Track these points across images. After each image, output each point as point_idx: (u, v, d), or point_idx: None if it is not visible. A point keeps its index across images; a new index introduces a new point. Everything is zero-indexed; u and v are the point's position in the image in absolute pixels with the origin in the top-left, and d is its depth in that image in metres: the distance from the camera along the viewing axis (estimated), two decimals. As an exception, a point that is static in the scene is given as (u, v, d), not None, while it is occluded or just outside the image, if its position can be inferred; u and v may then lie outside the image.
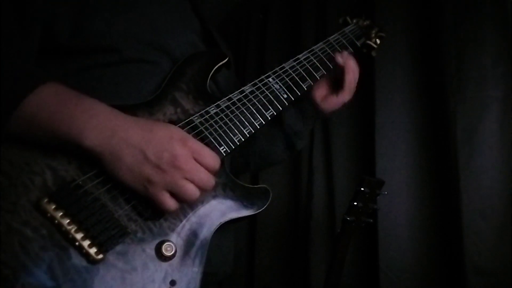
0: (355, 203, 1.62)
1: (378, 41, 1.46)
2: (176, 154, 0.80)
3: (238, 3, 2.86)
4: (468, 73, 2.02)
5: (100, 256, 0.77)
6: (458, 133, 1.99)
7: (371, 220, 1.68)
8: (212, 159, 0.85)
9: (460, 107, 2.01)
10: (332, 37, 1.30)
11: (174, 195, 0.82)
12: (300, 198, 2.49)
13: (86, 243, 0.77)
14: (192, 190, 0.82)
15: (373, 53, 1.48)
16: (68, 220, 0.77)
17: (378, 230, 2.09)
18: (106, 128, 0.79)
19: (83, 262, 0.77)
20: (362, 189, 1.62)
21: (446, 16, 2.09)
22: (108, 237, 0.79)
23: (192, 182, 0.82)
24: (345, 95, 1.24)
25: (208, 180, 0.84)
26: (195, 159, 0.82)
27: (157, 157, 0.79)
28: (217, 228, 0.93)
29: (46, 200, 0.77)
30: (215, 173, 0.87)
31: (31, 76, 0.83)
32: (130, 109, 0.90)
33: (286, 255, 2.49)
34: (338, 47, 1.27)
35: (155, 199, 0.81)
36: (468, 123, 1.99)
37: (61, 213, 0.77)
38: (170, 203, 0.81)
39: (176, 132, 0.84)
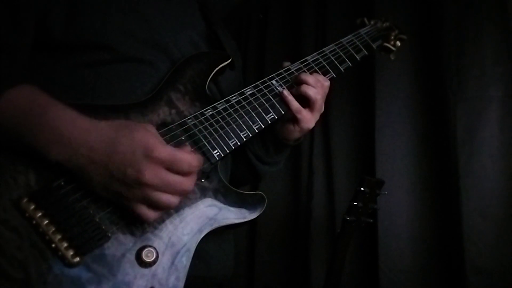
0: (355, 203, 1.62)
1: (398, 43, 1.40)
2: (140, 169, 0.74)
3: (238, 3, 2.86)
4: (468, 73, 2.02)
5: (77, 259, 0.75)
6: (458, 133, 1.99)
7: (371, 220, 1.69)
8: (187, 163, 0.79)
9: (460, 107, 2.01)
10: (345, 38, 1.24)
11: (151, 205, 0.78)
12: (300, 198, 2.49)
13: (63, 245, 0.75)
14: (167, 201, 0.78)
15: (392, 56, 1.42)
16: (47, 221, 0.75)
17: (378, 230, 2.09)
18: (69, 143, 0.76)
19: (59, 265, 0.74)
20: (362, 189, 1.62)
21: (446, 16, 2.09)
22: (87, 240, 0.77)
23: (166, 192, 0.77)
24: (302, 124, 1.09)
25: (184, 186, 0.79)
26: (167, 168, 0.77)
27: (122, 173, 0.75)
28: (216, 232, 0.90)
29: (26, 199, 0.75)
30: (196, 173, 0.82)
31: (1, 79, 0.81)
32: (123, 109, 0.88)
33: (286, 255, 2.48)
34: (351, 49, 1.22)
35: (132, 212, 0.78)
36: (468, 123, 1.99)
37: (39, 214, 0.75)
38: (148, 214, 0.78)
39: (140, 142, 0.76)
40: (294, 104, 1.06)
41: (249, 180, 1.28)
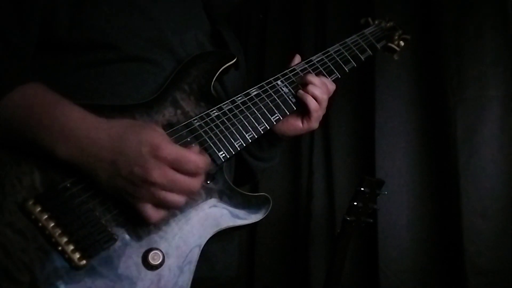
0: (355, 203, 1.62)
1: (402, 43, 1.41)
2: (148, 168, 0.73)
3: (238, 3, 2.86)
4: (468, 73, 2.03)
5: (83, 262, 0.74)
6: (458, 133, 1.99)
7: (371, 220, 1.69)
8: (194, 164, 0.78)
9: (460, 107, 2.01)
10: (349, 38, 1.24)
11: (157, 205, 0.77)
12: (300, 198, 2.49)
13: (69, 248, 0.74)
14: (173, 200, 0.77)
15: (395, 57, 1.42)
16: (53, 223, 0.74)
17: (378, 230, 2.10)
18: (75, 140, 0.76)
19: (66, 267, 0.74)
20: (362, 189, 1.62)
21: (446, 16, 2.09)
22: (93, 242, 0.76)
23: (172, 192, 0.76)
24: (312, 124, 1.11)
25: (191, 186, 0.79)
26: (174, 168, 0.76)
27: (129, 171, 0.74)
28: (220, 233, 0.90)
29: (31, 201, 0.74)
30: (203, 174, 0.81)
31: (7, 78, 0.81)
32: (128, 109, 0.88)
33: (286, 255, 2.49)
34: (356, 49, 1.22)
35: (136, 210, 0.77)
36: (468, 123, 2.00)
37: (46, 216, 0.74)
38: (152, 214, 0.77)
39: (147, 141, 0.75)
40: (313, 102, 1.07)
41: (244, 178, 1.27)
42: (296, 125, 1.11)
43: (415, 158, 2.15)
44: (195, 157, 0.78)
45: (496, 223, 1.91)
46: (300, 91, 1.07)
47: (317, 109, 1.08)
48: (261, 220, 0.95)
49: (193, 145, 0.87)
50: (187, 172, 0.77)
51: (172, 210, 0.83)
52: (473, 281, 1.88)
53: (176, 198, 0.77)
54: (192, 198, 0.87)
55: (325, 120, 2.37)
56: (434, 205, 2.08)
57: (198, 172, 0.79)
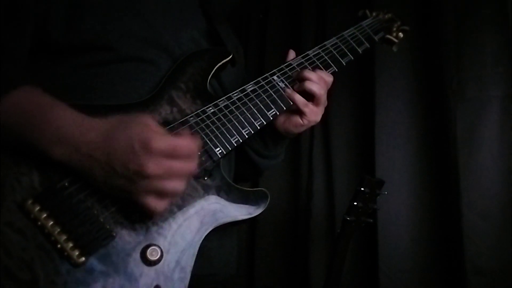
0: (355, 203, 1.62)
1: (401, 35, 1.39)
2: (142, 163, 0.73)
3: (238, 3, 2.86)
4: (468, 73, 2.03)
5: (82, 259, 0.76)
6: (458, 133, 1.99)
7: (371, 220, 1.68)
8: (186, 148, 0.78)
9: (460, 107, 2.01)
10: (346, 31, 1.24)
11: (159, 195, 0.78)
12: (300, 198, 2.49)
13: (68, 246, 0.76)
14: (173, 187, 0.78)
15: (394, 48, 1.41)
16: (52, 222, 0.76)
17: (378, 230, 2.09)
18: (70, 142, 0.76)
19: (65, 265, 0.75)
20: (362, 189, 1.62)
21: (446, 16, 2.09)
22: (91, 239, 0.77)
23: (171, 179, 0.77)
24: (310, 118, 1.10)
25: (188, 169, 0.79)
26: (167, 157, 0.76)
27: (125, 169, 0.74)
28: (219, 229, 0.90)
29: (30, 201, 0.76)
30: (196, 156, 0.80)
31: (2, 82, 0.81)
32: (124, 108, 0.88)
33: (286, 255, 2.48)
34: (353, 42, 1.21)
35: (139, 205, 0.78)
36: (468, 123, 1.99)
37: (45, 215, 0.75)
38: (156, 205, 0.77)
39: (137, 136, 0.75)
40: (299, 98, 1.07)
41: (249, 175, 1.28)
42: (297, 121, 1.11)
43: (415, 158, 2.15)
44: (186, 141, 0.79)
45: (496, 223, 1.91)
46: (288, 90, 1.07)
47: (306, 104, 1.08)
48: (261, 219, 0.96)
49: (182, 128, 0.88)
50: (181, 157, 0.77)
51: (171, 205, 0.83)
52: (473, 281, 1.87)
53: (176, 184, 0.78)
54: (190, 195, 0.87)
55: (325, 119, 2.39)
56: (434, 205, 2.08)
57: (193, 155, 0.79)
